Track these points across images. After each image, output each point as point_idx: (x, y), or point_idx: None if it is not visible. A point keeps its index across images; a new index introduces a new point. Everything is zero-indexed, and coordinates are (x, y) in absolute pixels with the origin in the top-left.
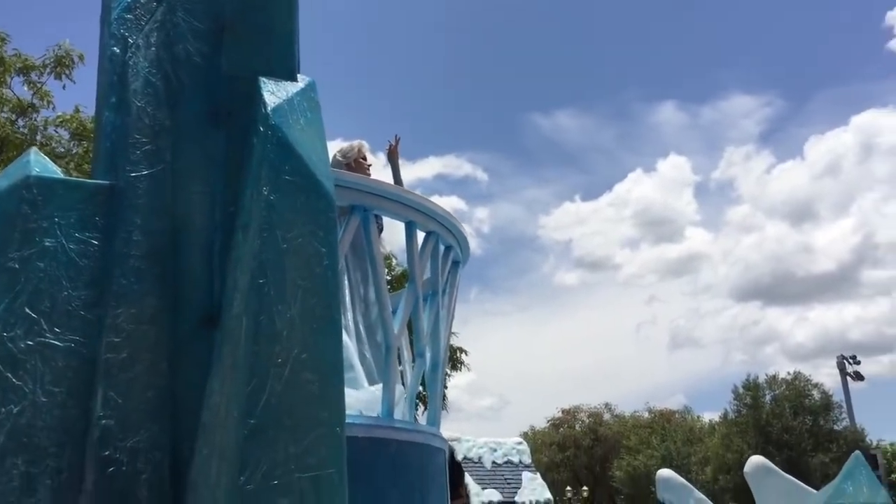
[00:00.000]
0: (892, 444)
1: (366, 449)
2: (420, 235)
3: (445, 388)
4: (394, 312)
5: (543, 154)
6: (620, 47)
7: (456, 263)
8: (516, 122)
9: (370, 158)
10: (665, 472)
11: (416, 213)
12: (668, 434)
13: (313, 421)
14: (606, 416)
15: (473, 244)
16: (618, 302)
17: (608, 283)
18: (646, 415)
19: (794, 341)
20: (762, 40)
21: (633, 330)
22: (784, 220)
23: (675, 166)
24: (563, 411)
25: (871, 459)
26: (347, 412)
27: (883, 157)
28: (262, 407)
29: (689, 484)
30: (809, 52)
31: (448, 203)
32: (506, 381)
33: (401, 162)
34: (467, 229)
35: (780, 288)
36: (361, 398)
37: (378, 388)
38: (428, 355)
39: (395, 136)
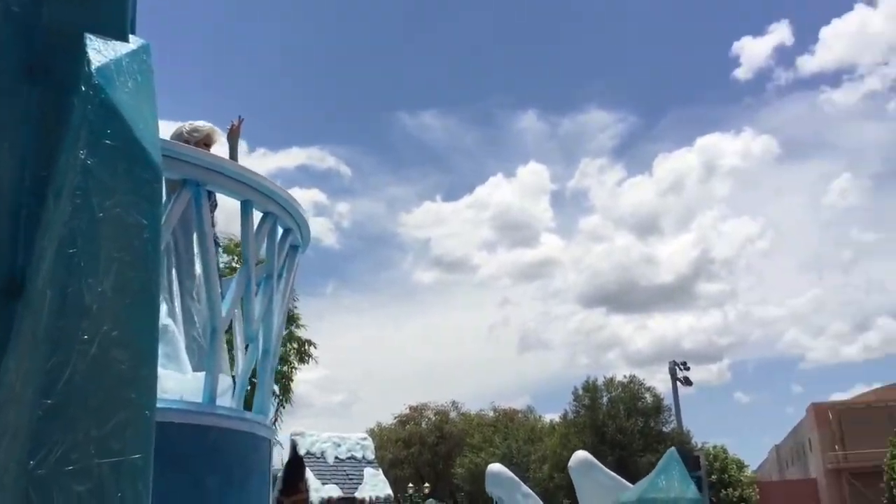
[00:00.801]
0: (714, 447)
1: (183, 435)
2: (257, 216)
3: (292, 380)
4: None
5: (407, 152)
6: (487, 53)
7: (295, 247)
8: (382, 119)
9: (216, 150)
10: (495, 467)
11: (253, 192)
12: (510, 433)
13: (120, 402)
14: (453, 415)
15: (333, 239)
16: (473, 303)
17: (465, 284)
18: (491, 414)
19: (634, 347)
20: (621, 60)
21: (485, 331)
22: (631, 231)
23: (534, 173)
24: (410, 408)
25: (695, 460)
26: (168, 396)
27: (723, 178)
28: (63, 385)
29: (517, 478)
30: (662, 75)
31: (309, 196)
32: (358, 377)
33: (263, 150)
34: (327, 223)
35: (625, 296)
36: (186, 382)
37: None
38: (260, 341)
39: (239, 117)
